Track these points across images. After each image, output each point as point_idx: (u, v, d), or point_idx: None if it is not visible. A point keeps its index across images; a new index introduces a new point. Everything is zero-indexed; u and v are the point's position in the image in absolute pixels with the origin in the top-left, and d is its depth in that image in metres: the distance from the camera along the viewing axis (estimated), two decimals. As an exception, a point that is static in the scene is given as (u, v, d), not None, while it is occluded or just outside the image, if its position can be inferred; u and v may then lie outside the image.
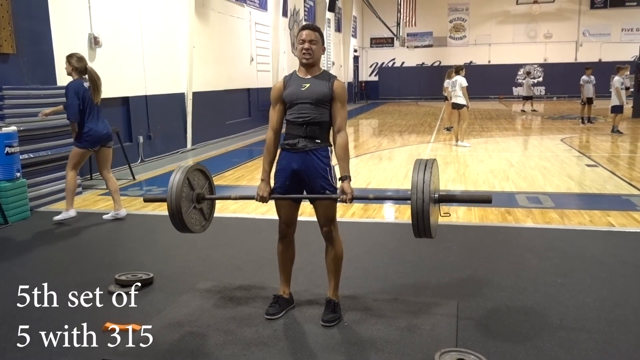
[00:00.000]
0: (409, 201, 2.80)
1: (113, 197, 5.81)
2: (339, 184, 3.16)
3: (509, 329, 3.15)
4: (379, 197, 3.04)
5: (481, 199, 3.03)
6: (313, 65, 3.17)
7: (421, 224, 2.79)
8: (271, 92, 3.27)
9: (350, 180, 3.12)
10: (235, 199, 3.49)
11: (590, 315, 3.30)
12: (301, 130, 3.14)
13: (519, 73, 29.39)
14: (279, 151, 3.28)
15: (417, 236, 2.89)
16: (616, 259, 4.33)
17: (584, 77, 15.04)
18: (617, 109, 12.68)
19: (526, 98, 21.00)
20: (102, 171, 5.80)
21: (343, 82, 3.20)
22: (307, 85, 3.15)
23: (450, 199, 3.01)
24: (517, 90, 29.51)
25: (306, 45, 3.12)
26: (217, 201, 3.68)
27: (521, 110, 20.67)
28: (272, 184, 3.27)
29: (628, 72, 13.32)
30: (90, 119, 5.57)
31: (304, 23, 19.39)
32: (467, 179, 7.75)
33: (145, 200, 3.79)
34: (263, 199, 3.23)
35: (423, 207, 2.75)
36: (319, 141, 3.14)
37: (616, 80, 12.80)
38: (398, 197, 3.17)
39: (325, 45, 3.27)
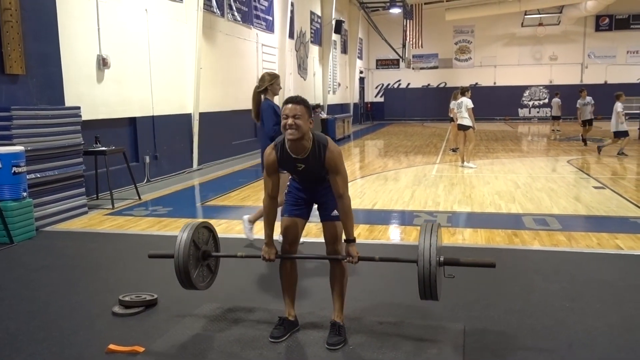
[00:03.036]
0: (415, 263, 2.94)
1: None
2: (344, 245, 3.21)
3: (516, 353, 3.10)
4: (385, 258, 3.22)
5: (485, 264, 3.11)
6: (301, 140, 3.05)
7: (427, 289, 2.92)
8: (264, 159, 3.22)
9: (355, 242, 3.18)
10: (242, 257, 3.50)
11: (600, 340, 3.24)
12: (307, 186, 3.31)
13: (525, 94, 29.49)
14: (288, 178, 3.36)
15: (423, 298, 2.98)
16: (625, 282, 4.28)
17: (579, 101, 15.15)
18: (623, 134, 12.72)
19: (555, 118, 20.18)
20: None
21: (335, 149, 3.10)
22: (302, 166, 3.14)
23: (455, 262, 3.10)
24: (522, 112, 29.58)
25: (290, 120, 3.00)
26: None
27: (552, 130, 20.22)
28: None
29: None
30: None
31: (310, 41, 19.56)
32: (473, 200, 7.72)
33: (150, 257, 3.67)
34: (270, 260, 3.27)
35: (430, 273, 2.87)
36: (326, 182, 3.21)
37: (618, 105, 12.69)
38: (404, 260, 3.23)
39: (312, 118, 3.11)
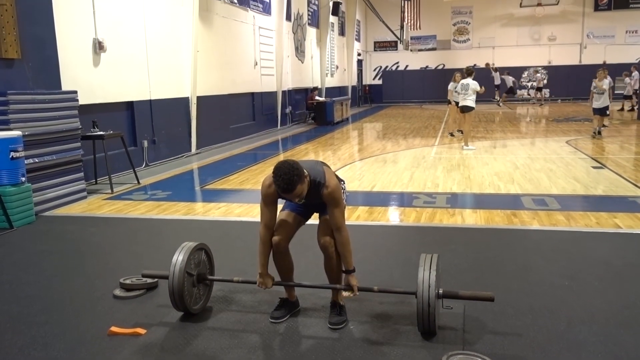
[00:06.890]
0: (414, 295, 2.98)
1: None
2: (343, 276, 3.19)
3: (515, 331, 3.12)
4: (384, 290, 3.24)
5: (484, 298, 3.10)
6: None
7: (426, 321, 2.95)
8: (262, 190, 3.13)
9: (354, 272, 3.14)
10: (238, 282, 3.45)
11: (598, 318, 3.27)
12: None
13: (523, 75, 29.37)
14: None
15: (421, 330, 3.02)
16: (623, 260, 4.30)
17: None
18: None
19: (510, 92, 24.26)
20: None
21: (332, 184, 3.04)
22: (303, 201, 3.09)
23: (453, 295, 3.12)
24: (521, 93, 29.48)
25: (296, 200, 3.03)
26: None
27: (498, 100, 24.02)
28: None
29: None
30: None
31: (307, 24, 19.41)
32: (472, 181, 7.72)
33: (144, 276, 3.65)
34: (266, 288, 3.25)
35: (429, 307, 2.91)
36: None
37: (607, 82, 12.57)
38: (403, 292, 3.23)
39: (306, 176, 2.97)
